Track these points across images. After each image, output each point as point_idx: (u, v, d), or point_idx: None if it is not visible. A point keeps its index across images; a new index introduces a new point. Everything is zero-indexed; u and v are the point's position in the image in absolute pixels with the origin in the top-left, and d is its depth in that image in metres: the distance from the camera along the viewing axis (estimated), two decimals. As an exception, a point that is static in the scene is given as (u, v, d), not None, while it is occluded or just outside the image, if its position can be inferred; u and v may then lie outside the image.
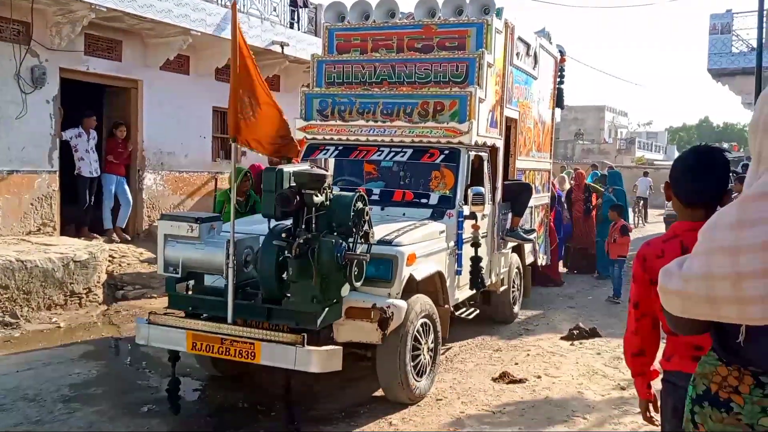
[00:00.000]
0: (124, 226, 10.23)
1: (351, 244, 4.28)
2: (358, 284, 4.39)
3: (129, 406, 4.87)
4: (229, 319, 4.33)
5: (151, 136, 10.66)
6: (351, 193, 4.43)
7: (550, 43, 8.72)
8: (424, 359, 5.08)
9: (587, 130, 49.84)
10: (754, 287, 1.36)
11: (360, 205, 4.36)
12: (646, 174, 23.94)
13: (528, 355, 6.45)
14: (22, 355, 6.00)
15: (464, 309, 6.43)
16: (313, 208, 4.22)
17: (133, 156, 10.43)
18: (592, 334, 7.05)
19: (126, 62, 10.16)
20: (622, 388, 5.49)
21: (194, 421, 4.67)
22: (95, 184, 9.74)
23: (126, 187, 10.17)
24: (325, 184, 4.27)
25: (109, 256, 8.82)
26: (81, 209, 9.68)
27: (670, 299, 1.56)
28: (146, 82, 10.49)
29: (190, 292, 4.68)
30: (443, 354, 6.05)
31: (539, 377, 5.74)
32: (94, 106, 10.59)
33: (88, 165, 9.58)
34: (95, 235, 9.70)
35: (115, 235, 9.95)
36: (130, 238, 10.19)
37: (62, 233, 9.30)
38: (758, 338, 1.48)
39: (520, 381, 5.59)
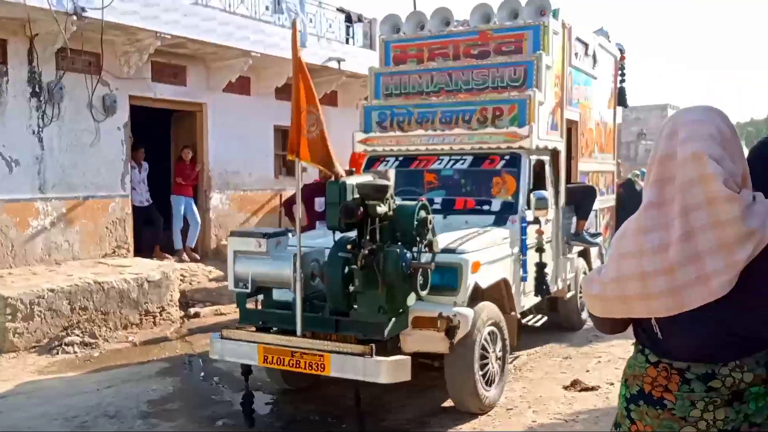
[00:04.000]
0: (193, 246, 10.54)
1: (415, 254, 4.29)
2: (423, 293, 4.39)
3: (205, 421, 4.99)
4: (299, 331, 4.39)
5: (217, 157, 10.97)
6: (413, 203, 4.44)
7: (609, 41, 8.55)
8: (493, 368, 5.02)
9: (650, 130, 48.35)
10: (656, 284, 1.64)
11: (423, 213, 4.37)
12: None
13: (599, 362, 6.29)
14: (102, 373, 6.24)
15: (531, 316, 6.33)
16: (377, 219, 4.24)
17: (200, 177, 10.76)
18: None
19: (191, 86, 10.51)
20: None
21: (268, 433, 4.75)
22: (148, 212, 10.15)
23: (194, 207, 10.49)
24: (388, 195, 4.29)
25: (180, 275, 9.10)
26: (155, 231, 10.13)
27: (593, 303, 1.82)
28: (210, 104, 10.82)
29: (260, 307, 4.78)
30: (512, 363, 5.97)
31: (612, 384, 5.58)
32: (161, 129, 11.02)
33: (139, 195, 10.00)
34: (167, 255, 10.04)
35: (185, 254, 10.26)
36: (199, 257, 10.48)
37: (135, 254, 9.66)
38: (669, 329, 1.72)
39: (593, 389, 5.45)
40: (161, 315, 8.06)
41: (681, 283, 1.62)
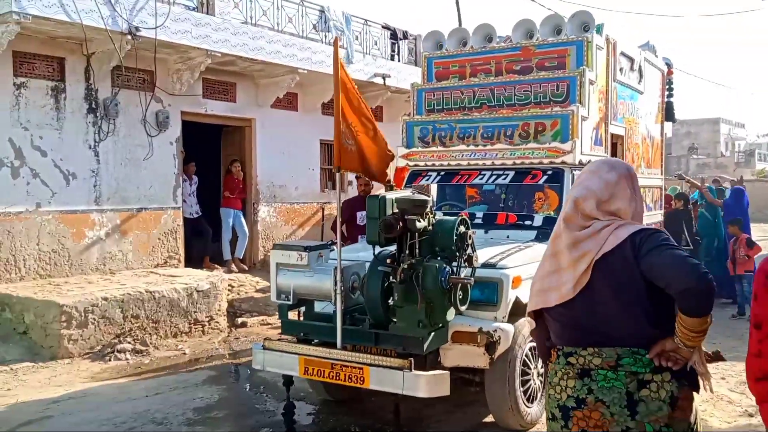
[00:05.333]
0: (242, 257, 10.77)
1: (455, 268, 4.30)
2: (463, 308, 4.39)
3: (248, 429, 5.09)
4: (338, 344, 4.45)
5: (264, 171, 11.21)
6: (453, 218, 4.46)
7: (656, 56, 8.44)
8: (534, 384, 4.99)
9: (701, 144, 47.24)
10: (536, 286, 2.43)
11: (462, 228, 4.38)
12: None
13: (646, 379, 6.16)
14: (151, 380, 6.43)
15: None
16: (416, 234, 4.27)
17: (248, 190, 11.00)
18: (715, 357, 6.56)
19: (240, 103, 10.80)
20: (750, 415, 5.14)
21: (309, 443, 4.82)
22: (197, 223, 10.44)
23: (242, 219, 10.72)
24: (427, 209, 4.33)
25: (228, 285, 9.30)
26: (205, 242, 10.40)
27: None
28: (258, 120, 11.09)
29: (301, 318, 4.87)
30: (555, 379, 5.91)
31: (657, 403, 5.47)
32: (211, 144, 11.33)
33: (189, 207, 10.30)
34: (216, 265, 10.28)
35: (233, 265, 10.49)
36: (247, 268, 10.70)
37: (185, 265, 9.92)
38: (551, 321, 2.44)
39: (637, 406, 5.36)
40: (209, 324, 8.26)
41: (547, 287, 2.36)
